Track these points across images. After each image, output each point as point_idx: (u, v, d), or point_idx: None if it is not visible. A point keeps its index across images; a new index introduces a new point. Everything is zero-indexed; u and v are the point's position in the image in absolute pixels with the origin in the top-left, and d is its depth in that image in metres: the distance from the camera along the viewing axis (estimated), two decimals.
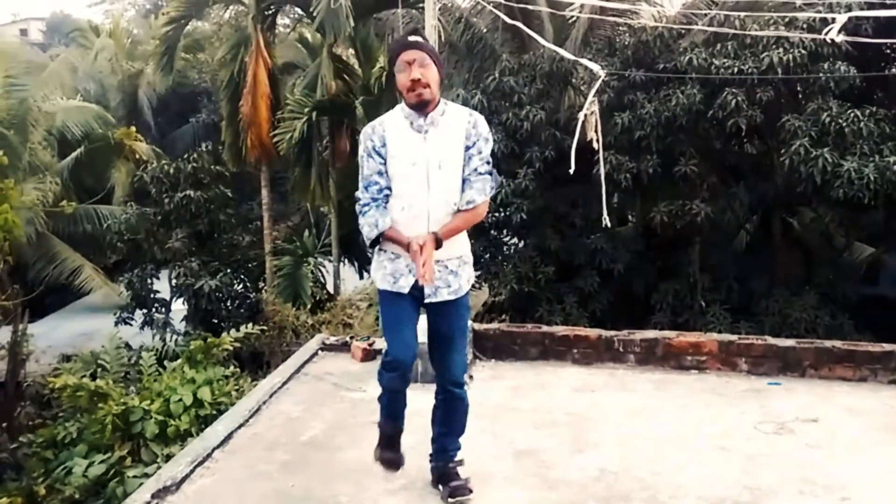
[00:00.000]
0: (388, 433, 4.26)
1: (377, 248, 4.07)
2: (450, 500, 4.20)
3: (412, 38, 3.94)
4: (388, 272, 4.05)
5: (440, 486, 4.30)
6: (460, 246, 4.10)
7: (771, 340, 6.43)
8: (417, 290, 3.98)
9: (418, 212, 3.92)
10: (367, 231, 3.96)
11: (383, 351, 4.13)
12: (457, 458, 4.34)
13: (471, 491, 4.23)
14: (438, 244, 3.85)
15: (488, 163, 4.05)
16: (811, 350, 6.22)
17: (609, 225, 10.96)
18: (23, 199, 14.73)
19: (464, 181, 3.99)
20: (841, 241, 15.70)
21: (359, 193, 4.04)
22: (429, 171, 3.91)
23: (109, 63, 26.85)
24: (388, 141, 3.94)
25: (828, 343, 6.37)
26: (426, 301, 4.03)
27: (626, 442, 4.99)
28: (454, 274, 4.06)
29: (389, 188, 3.96)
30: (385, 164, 3.95)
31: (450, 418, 4.32)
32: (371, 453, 4.32)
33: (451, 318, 4.13)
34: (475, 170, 3.98)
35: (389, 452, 4.30)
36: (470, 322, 6.70)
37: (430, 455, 4.40)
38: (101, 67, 27.32)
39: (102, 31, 29.49)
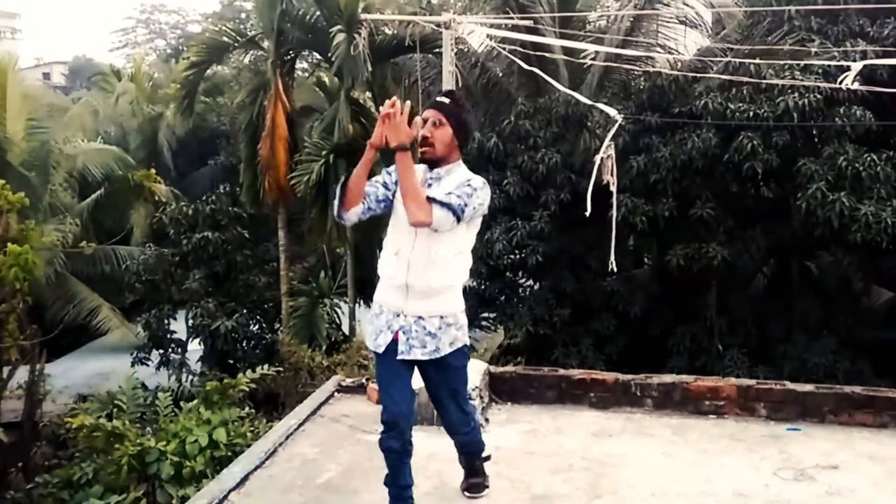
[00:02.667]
0: (391, 493, 4.25)
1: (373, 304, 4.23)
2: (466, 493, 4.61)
3: (439, 99, 4.13)
4: (373, 328, 4.18)
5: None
6: (444, 306, 4.12)
7: (790, 385, 6.37)
8: (394, 347, 4.06)
9: (402, 259, 4.02)
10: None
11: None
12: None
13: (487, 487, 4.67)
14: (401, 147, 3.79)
15: (464, 196, 3.92)
16: (831, 395, 6.16)
17: (615, 269, 10.94)
18: (43, 240, 14.88)
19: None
20: (859, 286, 15.61)
21: None
22: None
23: (130, 106, 27.18)
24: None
25: (847, 388, 6.30)
26: (398, 358, 4.05)
27: (644, 488, 4.95)
28: (431, 336, 4.08)
29: (388, 199, 4.05)
30: (388, 192, 4.06)
31: (465, 454, 4.60)
32: (387, 497, 4.29)
33: (434, 378, 4.24)
34: (448, 193, 3.92)
35: None
36: (486, 365, 6.69)
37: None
38: (122, 110, 27.66)
39: (124, 74, 29.95)
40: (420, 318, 4.05)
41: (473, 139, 14.51)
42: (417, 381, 4.23)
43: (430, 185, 4.00)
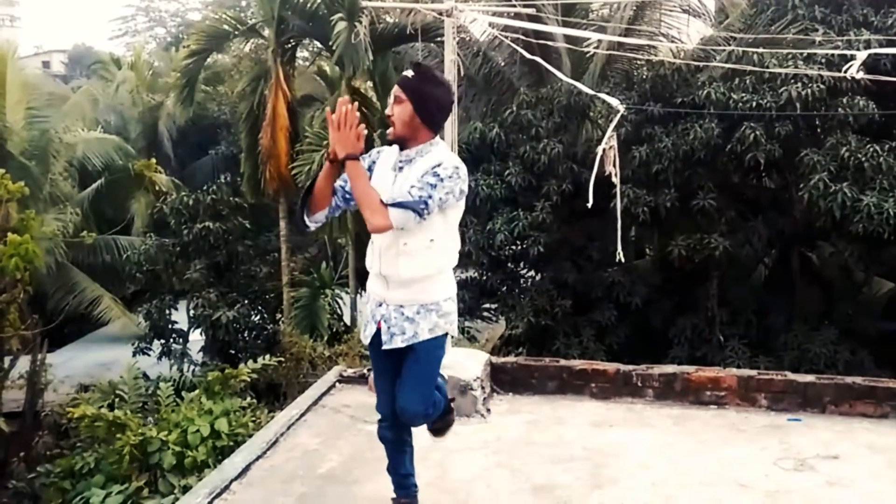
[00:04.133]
0: (400, 500, 4.28)
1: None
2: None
3: (404, 73, 3.88)
4: (363, 319, 4.17)
5: None
6: (424, 294, 3.92)
7: (791, 376, 6.37)
8: (378, 338, 3.97)
9: (378, 247, 3.91)
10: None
11: None
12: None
13: None
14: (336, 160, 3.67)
15: (427, 188, 3.68)
16: (831, 386, 6.17)
17: (623, 260, 10.92)
18: (43, 230, 14.89)
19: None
20: (860, 276, 15.61)
21: None
22: None
23: (130, 95, 27.17)
24: (374, 170, 3.91)
25: (848, 379, 6.31)
26: (383, 348, 3.95)
27: (645, 478, 4.95)
28: (410, 321, 3.91)
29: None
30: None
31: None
32: (388, 487, 4.31)
33: (408, 362, 3.96)
34: (411, 186, 3.70)
35: (402, 494, 4.31)
36: (487, 356, 6.69)
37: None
38: (122, 99, 27.65)
39: (124, 63, 29.92)
40: (401, 306, 3.92)
41: (476, 128, 14.49)
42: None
43: (401, 169, 3.82)
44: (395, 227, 3.66)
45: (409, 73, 3.84)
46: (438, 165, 3.72)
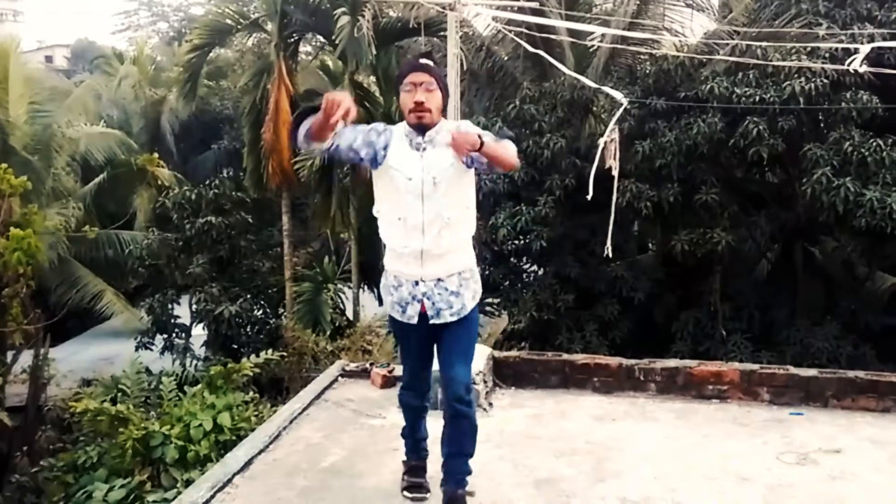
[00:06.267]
0: (411, 462, 4.39)
1: (384, 272, 4.19)
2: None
3: (423, 61, 3.99)
4: (394, 300, 4.14)
5: None
6: (459, 261, 4.10)
7: (793, 370, 6.37)
8: (424, 316, 4.06)
9: (414, 224, 3.94)
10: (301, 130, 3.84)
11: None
12: (467, 487, 4.27)
13: None
14: (480, 142, 3.74)
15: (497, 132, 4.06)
16: (834, 380, 6.16)
17: (611, 255, 10.88)
18: (46, 224, 14.88)
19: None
20: (863, 271, 15.59)
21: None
22: (423, 186, 3.91)
23: (133, 90, 27.16)
24: (389, 150, 3.97)
25: (851, 373, 6.30)
26: (430, 322, 4.06)
27: (647, 471, 4.95)
28: (455, 294, 4.06)
29: (361, 158, 3.96)
30: (376, 164, 3.98)
31: (455, 437, 4.23)
32: (391, 480, 4.32)
33: (455, 334, 4.11)
34: (479, 135, 3.80)
35: (414, 479, 4.40)
36: (490, 350, 6.70)
37: (441, 479, 4.32)
38: (125, 94, 27.64)
39: (126, 58, 29.94)
40: (439, 280, 4.03)
41: (479, 123, 14.46)
42: None
43: (424, 149, 3.95)
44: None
45: (428, 61, 3.99)
46: (461, 125, 3.98)
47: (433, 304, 4.03)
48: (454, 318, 4.06)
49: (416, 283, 4.04)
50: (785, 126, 12.97)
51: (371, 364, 7.15)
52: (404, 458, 4.53)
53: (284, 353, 13.85)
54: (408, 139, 3.97)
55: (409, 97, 3.89)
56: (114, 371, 14.41)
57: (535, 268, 15.99)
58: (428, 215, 3.92)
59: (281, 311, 18.94)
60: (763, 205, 14.88)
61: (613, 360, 6.68)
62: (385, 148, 3.96)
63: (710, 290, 14.78)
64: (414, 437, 4.46)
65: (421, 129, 3.94)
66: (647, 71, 14.34)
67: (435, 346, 4.23)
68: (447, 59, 10.36)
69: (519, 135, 14.48)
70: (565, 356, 6.90)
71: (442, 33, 14.88)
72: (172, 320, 18.05)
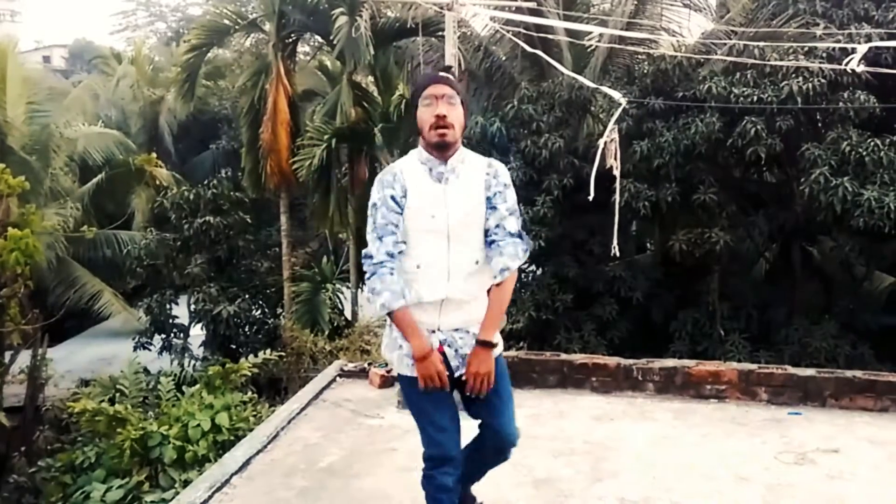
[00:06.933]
0: None
1: (389, 325, 3.66)
2: None
3: (445, 74, 3.60)
4: (404, 353, 3.54)
5: None
6: (480, 310, 3.54)
7: (791, 370, 6.38)
8: (446, 367, 3.51)
9: (438, 270, 3.47)
10: (379, 304, 3.43)
11: (423, 450, 3.63)
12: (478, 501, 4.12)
13: None
14: (490, 346, 3.42)
15: (517, 218, 3.57)
16: (832, 380, 6.17)
17: (618, 254, 10.88)
18: (44, 224, 14.86)
19: (491, 243, 3.51)
20: (861, 271, 15.58)
21: (370, 248, 3.47)
22: (449, 225, 3.46)
23: (131, 90, 27.13)
24: (409, 192, 3.47)
25: (849, 373, 6.32)
26: (455, 376, 3.54)
27: (645, 471, 4.96)
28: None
29: (404, 242, 3.48)
30: (402, 216, 3.47)
31: (489, 468, 3.96)
32: (389, 480, 4.30)
33: (495, 385, 3.56)
34: (504, 229, 3.50)
35: None
36: None
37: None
38: (123, 94, 27.63)
39: (124, 58, 29.89)
40: (458, 329, 3.54)
41: (476, 123, 14.47)
42: None
43: (447, 180, 3.50)
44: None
45: (448, 74, 3.62)
46: (497, 175, 3.59)
47: (455, 352, 3.54)
48: None
49: (432, 331, 3.52)
50: (783, 126, 12.96)
51: (369, 364, 7.16)
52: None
53: (283, 353, 13.86)
54: (426, 168, 3.53)
55: (429, 111, 3.45)
56: (112, 371, 14.41)
57: (533, 268, 15.98)
58: (455, 257, 3.47)
59: (279, 311, 18.94)
60: (761, 204, 14.87)
61: (612, 360, 6.69)
62: (404, 194, 3.48)
63: (708, 289, 14.77)
64: None
65: (441, 148, 3.48)
66: (645, 71, 14.33)
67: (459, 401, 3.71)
68: (445, 58, 10.34)
69: (517, 135, 14.50)
70: (563, 356, 6.91)
71: (440, 33, 14.90)
72: (171, 320, 18.05)
